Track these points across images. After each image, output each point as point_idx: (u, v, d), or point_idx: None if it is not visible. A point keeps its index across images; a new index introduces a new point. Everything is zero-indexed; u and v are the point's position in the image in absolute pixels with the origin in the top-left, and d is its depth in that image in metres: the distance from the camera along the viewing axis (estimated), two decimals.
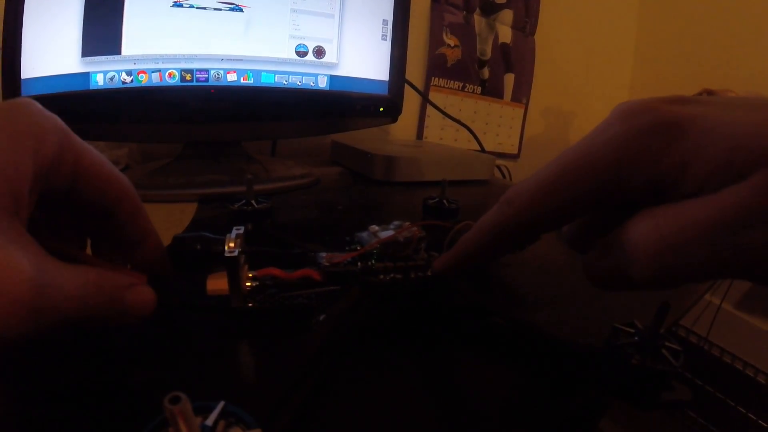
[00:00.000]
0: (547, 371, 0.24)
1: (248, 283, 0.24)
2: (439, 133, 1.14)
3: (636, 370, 0.21)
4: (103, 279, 0.19)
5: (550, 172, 0.19)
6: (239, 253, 0.22)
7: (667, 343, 0.21)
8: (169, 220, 0.44)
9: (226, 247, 0.22)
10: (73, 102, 0.49)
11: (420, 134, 1.12)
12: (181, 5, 0.52)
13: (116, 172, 0.22)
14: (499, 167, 1.10)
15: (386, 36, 0.66)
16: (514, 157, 1.34)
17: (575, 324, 0.28)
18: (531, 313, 0.29)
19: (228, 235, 0.23)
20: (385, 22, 0.66)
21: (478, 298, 0.27)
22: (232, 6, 0.54)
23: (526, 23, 1.25)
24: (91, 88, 0.50)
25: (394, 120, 0.71)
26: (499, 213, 0.21)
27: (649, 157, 0.17)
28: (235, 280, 0.23)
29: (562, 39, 1.39)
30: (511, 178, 1.15)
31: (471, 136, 1.04)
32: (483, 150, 1.05)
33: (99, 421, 0.18)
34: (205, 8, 0.53)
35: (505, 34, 1.21)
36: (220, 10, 0.54)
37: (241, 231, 0.24)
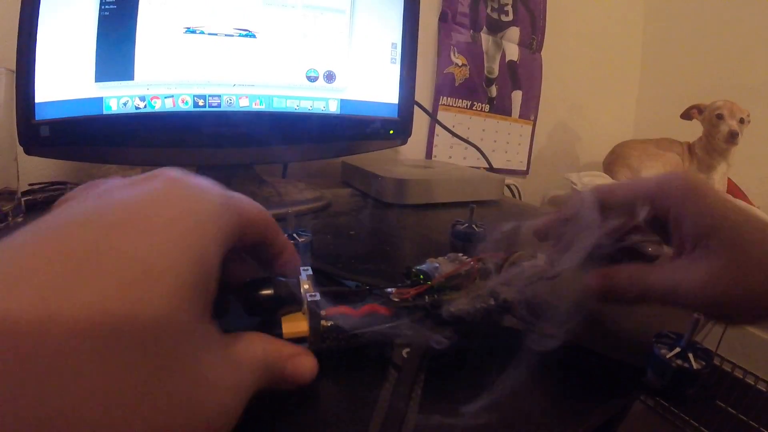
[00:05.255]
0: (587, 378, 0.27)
1: (323, 322, 0.24)
2: (448, 151, 1.14)
3: (678, 372, 0.24)
4: (268, 353, 0.20)
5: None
6: (319, 294, 0.23)
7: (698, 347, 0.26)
8: None
9: (303, 290, 0.23)
10: (87, 126, 0.50)
11: (429, 153, 1.12)
12: (193, 31, 0.52)
13: (256, 206, 0.23)
14: (508, 186, 1.09)
15: (395, 59, 0.66)
16: (523, 173, 1.34)
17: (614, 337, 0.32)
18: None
19: (300, 277, 0.24)
20: (393, 45, 0.66)
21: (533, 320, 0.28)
22: (244, 32, 0.55)
23: (532, 40, 1.26)
24: (104, 112, 0.50)
25: (404, 142, 0.71)
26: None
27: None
28: (316, 323, 0.23)
29: (568, 55, 1.39)
30: (520, 197, 1.14)
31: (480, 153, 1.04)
32: (491, 168, 1.05)
33: None
34: (217, 34, 0.54)
35: (512, 51, 1.22)
36: (232, 36, 0.54)
37: (310, 271, 0.24)
